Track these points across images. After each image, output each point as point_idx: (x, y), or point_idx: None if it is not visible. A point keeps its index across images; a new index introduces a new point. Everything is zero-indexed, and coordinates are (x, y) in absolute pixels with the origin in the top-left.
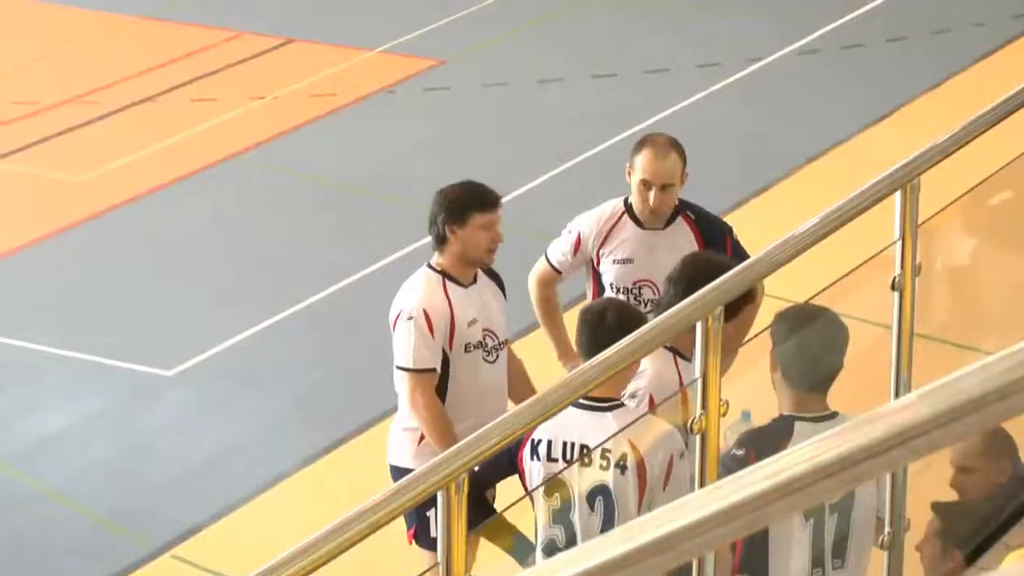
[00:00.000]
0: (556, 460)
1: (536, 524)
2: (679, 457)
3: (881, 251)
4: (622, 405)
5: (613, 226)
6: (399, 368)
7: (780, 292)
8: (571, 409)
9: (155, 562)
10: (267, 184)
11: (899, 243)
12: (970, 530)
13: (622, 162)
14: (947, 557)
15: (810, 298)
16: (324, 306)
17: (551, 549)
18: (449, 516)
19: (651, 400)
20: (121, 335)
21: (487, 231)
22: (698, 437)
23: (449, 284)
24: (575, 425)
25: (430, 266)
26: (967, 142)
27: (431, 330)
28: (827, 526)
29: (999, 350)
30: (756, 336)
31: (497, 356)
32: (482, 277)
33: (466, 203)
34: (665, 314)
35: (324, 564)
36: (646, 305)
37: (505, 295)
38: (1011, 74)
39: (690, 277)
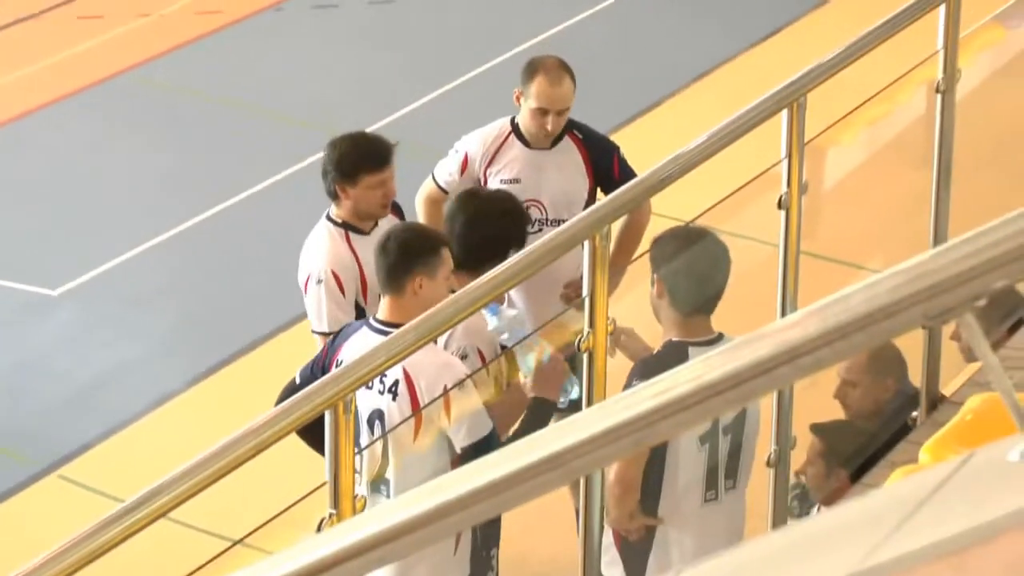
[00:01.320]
0: None
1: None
2: (455, 386)
3: (768, 169)
4: None
5: (500, 146)
6: (315, 332)
7: (668, 211)
8: (365, 331)
9: (41, 482)
10: (153, 102)
11: (786, 161)
12: (853, 448)
13: (509, 81)
14: (832, 477)
15: (696, 217)
16: (211, 224)
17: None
18: (337, 435)
19: (481, 355)
20: (3, 254)
21: (379, 188)
22: (585, 355)
23: (352, 236)
24: (367, 348)
25: (329, 218)
26: (853, 60)
27: (342, 290)
28: (720, 448)
29: (885, 268)
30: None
31: None
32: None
33: (356, 162)
34: (552, 233)
35: (212, 484)
36: (533, 225)
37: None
38: None
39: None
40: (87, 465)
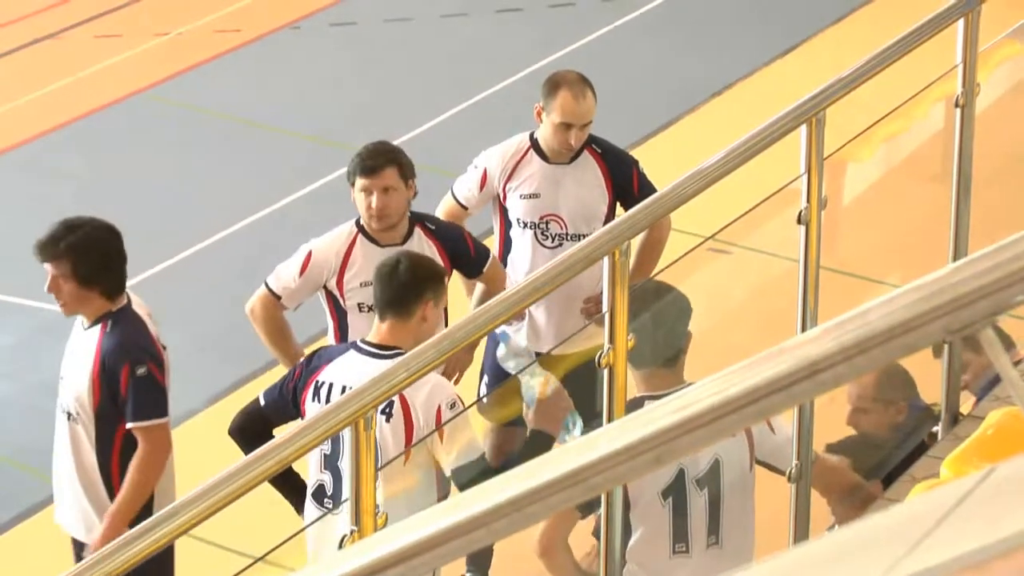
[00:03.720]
0: None
1: (309, 468)
2: (448, 407)
3: (787, 184)
4: (403, 354)
5: (519, 161)
6: (264, 282)
7: (687, 227)
8: (353, 353)
9: None
10: (171, 121)
11: (805, 176)
12: (872, 463)
13: (527, 97)
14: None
15: (716, 232)
16: (228, 242)
17: (319, 495)
18: (358, 452)
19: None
20: (27, 273)
21: (366, 196)
22: (605, 371)
23: (362, 241)
24: (355, 370)
25: (356, 221)
26: (872, 75)
27: (303, 270)
28: (691, 501)
29: (904, 283)
30: (662, 271)
31: None
32: (420, 238)
33: (352, 166)
34: (572, 248)
35: (233, 501)
36: (553, 240)
37: (457, 256)
38: (915, 8)
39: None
40: None
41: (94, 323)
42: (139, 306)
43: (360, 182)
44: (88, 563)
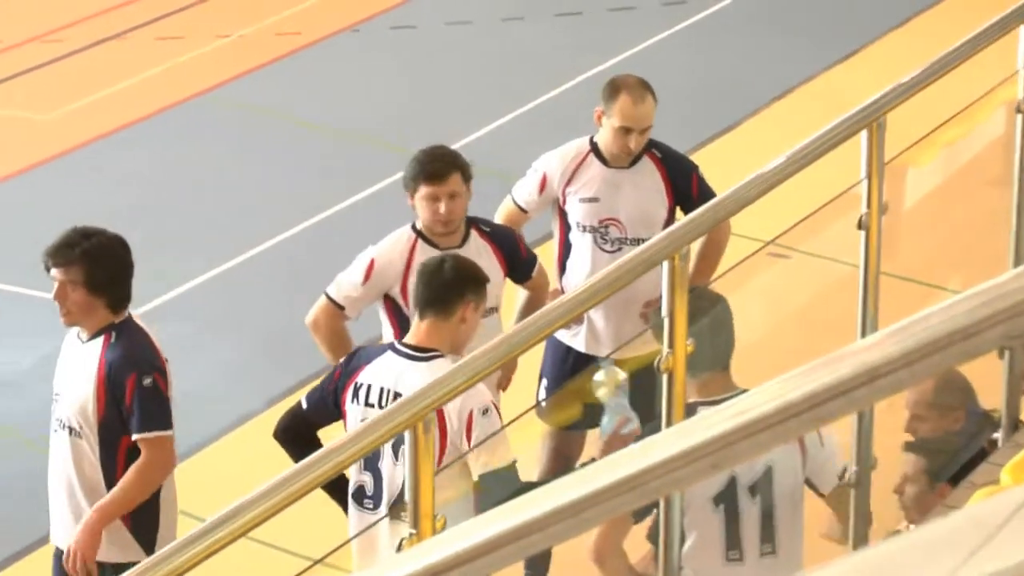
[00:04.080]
0: (372, 406)
1: (350, 469)
2: (480, 413)
3: (848, 190)
4: (441, 356)
5: (579, 164)
6: (325, 292)
7: (747, 231)
8: (390, 355)
9: None
10: (232, 123)
11: (866, 182)
12: (938, 466)
13: (587, 101)
14: (933, 492)
15: (776, 237)
16: (290, 246)
17: (360, 496)
18: (417, 455)
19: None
20: None
21: (432, 203)
22: (665, 376)
23: (421, 245)
24: (392, 372)
25: (413, 225)
26: (933, 81)
27: (366, 278)
28: (743, 508)
29: (965, 289)
30: (722, 275)
31: None
32: (476, 240)
33: (415, 172)
34: (631, 253)
35: (292, 503)
36: (612, 244)
37: (511, 259)
38: (976, 13)
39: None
40: None
41: (95, 335)
42: (140, 321)
43: (425, 189)
44: (147, 564)
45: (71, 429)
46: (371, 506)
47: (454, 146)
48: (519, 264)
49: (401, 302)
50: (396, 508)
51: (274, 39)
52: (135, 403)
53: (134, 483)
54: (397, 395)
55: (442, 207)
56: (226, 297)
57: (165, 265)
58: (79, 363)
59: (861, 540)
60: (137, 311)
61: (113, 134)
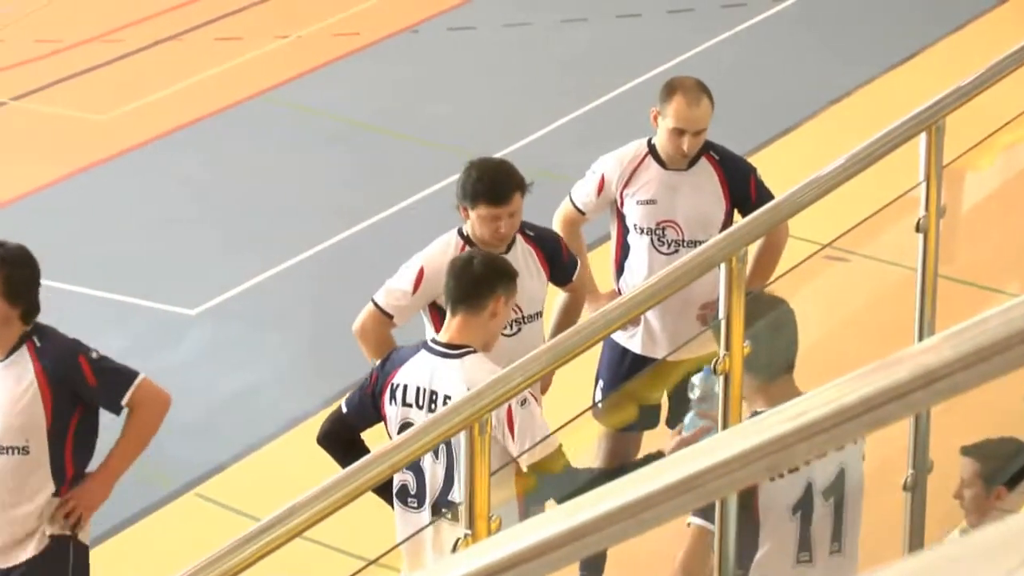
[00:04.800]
0: (410, 405)
1: None
2: (519, 404)
3: (906, 192)
4: (474, 352)
5: (637, 167)
6: (372, 299)
7: (805, 234)
8: (423, 353)
9: (178, 501)
10: (289, 124)
11: (924, 184)
12: (994, 469)
13: (645, 103)
14: (991, 496)
15: (833, 240)
16: (345, 245)
17: (404, 495)
18: (473, 456)
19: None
20: (144, 275)
21: (491, 223)
22: (721, 378)
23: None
24: (427, 370)
25: (459, 231)
26: (992, 84)
27: (416, 286)
28: (817, 511)
29: (1023, 292)
30: (779, 278)
31: (518, 330)
32: (521, 245)
33: (476, 191)
34: (688, 255)
35: (347, 503)
36: (669, 246)
37: (553, 262)
38: None
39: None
40: (223, 484)
41: (13, 350)
42: None
43: (486, 210)
44: (201, 564)
45: (11, 449)
46: (415, 504)
47: (512, 147)
48: (560, 267)
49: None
50: (442, 508)
51: (332, 40)
52: (100, 377)
53: (138, 435)
54: (433, 393)
55: (502, 227)
56: (279, 298)
57: (218, 266)
58: (5, 382)
59: (917, 543)
60: (197, 308)
61: (170, 135)
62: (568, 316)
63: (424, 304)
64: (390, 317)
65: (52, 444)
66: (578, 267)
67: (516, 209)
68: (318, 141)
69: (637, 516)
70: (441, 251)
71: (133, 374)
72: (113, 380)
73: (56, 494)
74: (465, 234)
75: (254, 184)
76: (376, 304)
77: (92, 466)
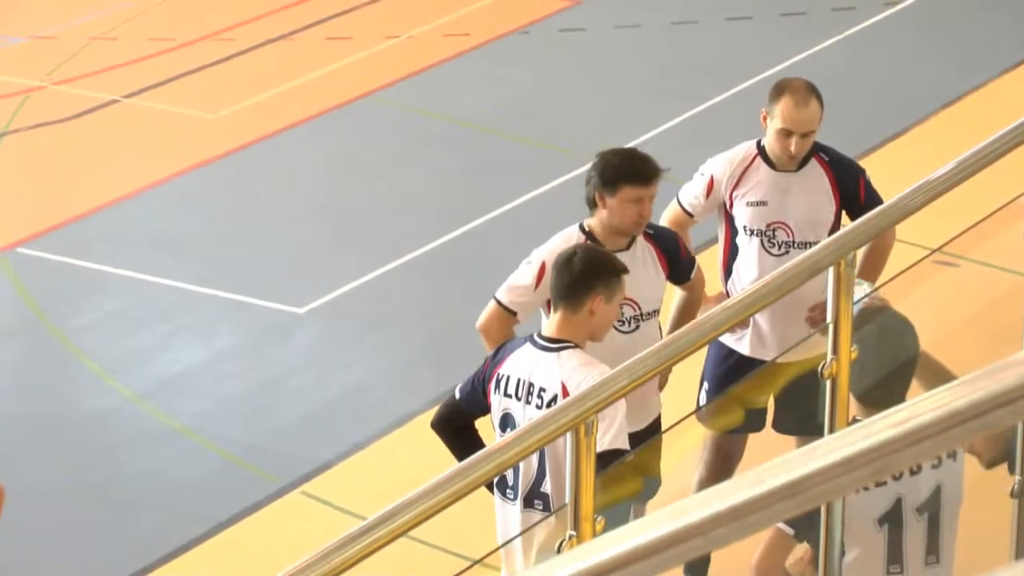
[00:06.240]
0: (511, 396)
1: None
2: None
3: (1016, 198)
4: (573, 347)
5: (746, 168)
6: (494, 297)
7: (913, 238)
8: (528, 346)
9: (285, 498)
10: (400, 123)
11: None
12: None
13: (755, 104)
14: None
15: (942, 245)
16: (455, 245)
17: (503, 486)
18: (578, 457)
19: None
20: (254, 272)
21: (636, 205)
22: (828, 382)
23: None
24: (528, 363)
25: (581, 226)
26: None
27: (538, 282)
28: (909, 526)
29: None
30: (886, 284)
31: (635, 327)
32: (641, 243)
33: (619, 173)
34: (797, 259)
35: (453, 503)
36: (780, 247)
37: (672, 260)
38: None
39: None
40: (329, 482)
41: None
42: None
43: (631, 191)
44: (305, 563)
45: None
46: (512, 496)
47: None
48: (679, 265)
49: None
50: (534, 500)
51: (442, 40)
52: None
53: None
54: (531, 385)
55: (645, 208)
56: (387, 297)
57: (334, 262)
58: None
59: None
60: (306, 307)
61: (279, 133)
62: (686, 314)
63: (545, 299)
64: (513, 314)
65: None
66: (697, 265)
67: (655, 193)
68: (427, 141)
69: (742, 519)
70: (561, 245)
71: None
72: None
73: None
74: (587, 228)
75: (363, 183)
76: (499, 301)
77: None
